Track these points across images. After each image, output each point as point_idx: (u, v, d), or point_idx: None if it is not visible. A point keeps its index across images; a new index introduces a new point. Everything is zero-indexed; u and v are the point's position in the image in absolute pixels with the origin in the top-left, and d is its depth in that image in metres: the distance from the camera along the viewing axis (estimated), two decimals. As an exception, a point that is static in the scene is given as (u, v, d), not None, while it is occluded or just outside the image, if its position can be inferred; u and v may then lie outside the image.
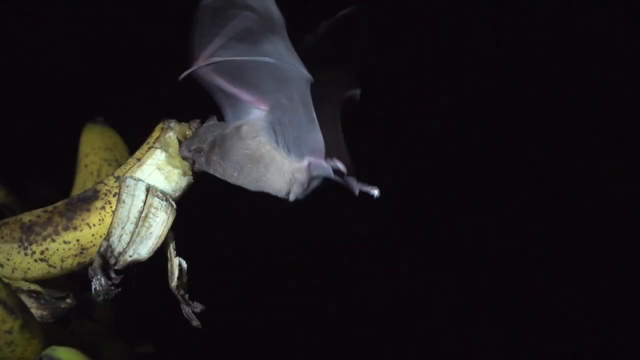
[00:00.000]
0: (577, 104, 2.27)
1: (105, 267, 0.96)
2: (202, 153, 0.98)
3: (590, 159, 2.28)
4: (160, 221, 0.98)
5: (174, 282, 1.00)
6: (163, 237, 0.98)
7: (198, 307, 0.99)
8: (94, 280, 0.96)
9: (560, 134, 2.27)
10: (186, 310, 1.00)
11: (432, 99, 2.35)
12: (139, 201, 0.97)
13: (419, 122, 2.33)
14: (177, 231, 1.01)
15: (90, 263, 0.99)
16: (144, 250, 0.98)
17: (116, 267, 0.97)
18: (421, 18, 2.23)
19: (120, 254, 0.97)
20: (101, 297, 0.96)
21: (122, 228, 0.97)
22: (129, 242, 0.97)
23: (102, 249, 0.96)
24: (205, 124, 1.00)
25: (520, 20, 2.26)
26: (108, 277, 0.96)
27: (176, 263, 1.01)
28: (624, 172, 2.25)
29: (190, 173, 1.01)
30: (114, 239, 0.97)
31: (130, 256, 0.98)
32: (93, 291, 0.96)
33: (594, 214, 2.23)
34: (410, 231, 2.25)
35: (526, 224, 2.27)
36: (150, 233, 0.98)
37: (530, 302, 2.20)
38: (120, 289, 0.97)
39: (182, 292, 1.00)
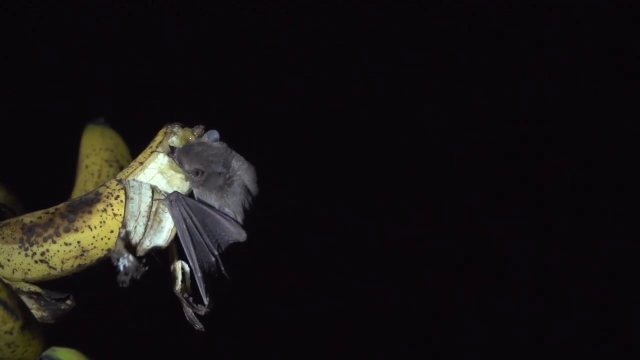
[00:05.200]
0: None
1: (129, 247, 0.96)
2: (200, 177, 0.99)
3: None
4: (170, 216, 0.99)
5: (177, 286, 1.00)
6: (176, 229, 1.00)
7: (202, 309, 0.99)
8: (120, 260, 0.95)
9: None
10: (189, 313, 1.00)
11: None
12: (146, 197, 0.98)
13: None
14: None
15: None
16: (159, 240, 0.99)
17: (137, 255, 0.97)
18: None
19: (137, 243, 0.98)
20: (129, 276, 0.94)
21: (136, 220, 0.98)
22: (144, 233, 0.98)
23: (122, 235, 0.96)
24: (209, 139, 1.00)
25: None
26: (135, 255, 0.96)
27: (179, 267, 1.01)
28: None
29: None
30: (129, 229, 0.97)
31: (148, 246, 0.98)
32: (121, 270, 0.94)
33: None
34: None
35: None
36: (162, 227, 0.99)
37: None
38: (147, 268, 0.96)
39: (185, 295, 1.00)
